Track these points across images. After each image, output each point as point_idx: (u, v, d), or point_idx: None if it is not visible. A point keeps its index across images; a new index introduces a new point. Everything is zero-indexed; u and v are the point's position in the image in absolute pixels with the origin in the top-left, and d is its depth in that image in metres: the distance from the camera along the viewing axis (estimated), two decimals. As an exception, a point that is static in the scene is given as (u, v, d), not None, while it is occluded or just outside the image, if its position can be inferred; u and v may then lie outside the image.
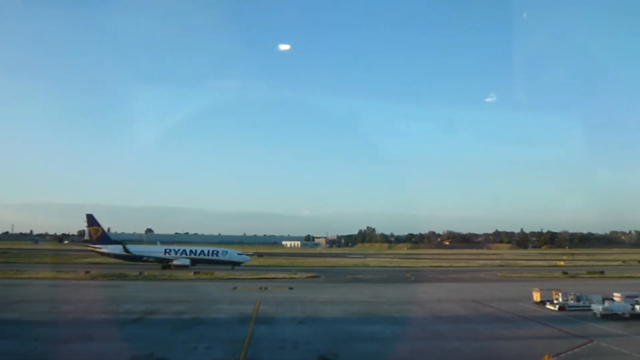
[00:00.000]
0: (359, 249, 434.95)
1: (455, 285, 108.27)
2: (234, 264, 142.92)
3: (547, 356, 39.91)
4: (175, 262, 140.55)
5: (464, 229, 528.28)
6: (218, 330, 55.64)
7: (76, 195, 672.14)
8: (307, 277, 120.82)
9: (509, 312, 71.11)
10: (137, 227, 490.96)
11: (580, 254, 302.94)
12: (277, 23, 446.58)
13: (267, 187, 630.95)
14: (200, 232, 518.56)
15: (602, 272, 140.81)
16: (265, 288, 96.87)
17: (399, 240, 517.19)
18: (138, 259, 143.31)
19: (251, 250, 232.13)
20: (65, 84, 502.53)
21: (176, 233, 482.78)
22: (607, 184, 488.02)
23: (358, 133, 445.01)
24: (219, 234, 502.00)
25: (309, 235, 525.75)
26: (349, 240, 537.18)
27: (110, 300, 76.44)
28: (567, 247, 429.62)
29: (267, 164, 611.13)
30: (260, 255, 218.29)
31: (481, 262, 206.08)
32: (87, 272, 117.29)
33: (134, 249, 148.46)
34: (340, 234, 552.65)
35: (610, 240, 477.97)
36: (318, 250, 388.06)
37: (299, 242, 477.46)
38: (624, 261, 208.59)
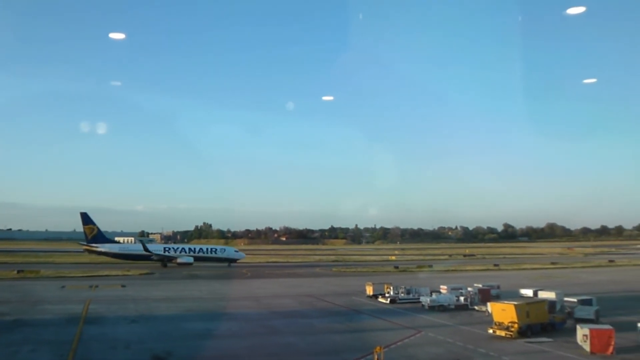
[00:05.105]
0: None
1: (292, 281, 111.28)
2: (231, 261, 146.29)
3: (378, 347, 42.08)
4: (179, 260, 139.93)
5: (300, 225, 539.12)
6: (44, 332, 52.83)
7: None
8: (140, 274, 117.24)
9: (343, 306, 74.73)
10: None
11: (410, 248, 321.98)
12: (109, 11, 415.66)
13: (97, 181, 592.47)
14: (25, 228, 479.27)
15: (430, 266, 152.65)
16: (96, 286, 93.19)
17: (235, 236, 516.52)
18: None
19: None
20: None
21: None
22: (432, 184, 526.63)
23: (186, 131, 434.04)
24: (46, 229, 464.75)
25: (143, 231, 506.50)
26: (185, 236, 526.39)
27: None
28: (398, 242, 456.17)
29: (97, 156, 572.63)
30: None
31: (317, 257, 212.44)
32: None
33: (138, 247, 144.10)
34: (176, 230, 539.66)
35: (438, 236, 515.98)
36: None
37: (132, 239, 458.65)
38: (450, 255, 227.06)
